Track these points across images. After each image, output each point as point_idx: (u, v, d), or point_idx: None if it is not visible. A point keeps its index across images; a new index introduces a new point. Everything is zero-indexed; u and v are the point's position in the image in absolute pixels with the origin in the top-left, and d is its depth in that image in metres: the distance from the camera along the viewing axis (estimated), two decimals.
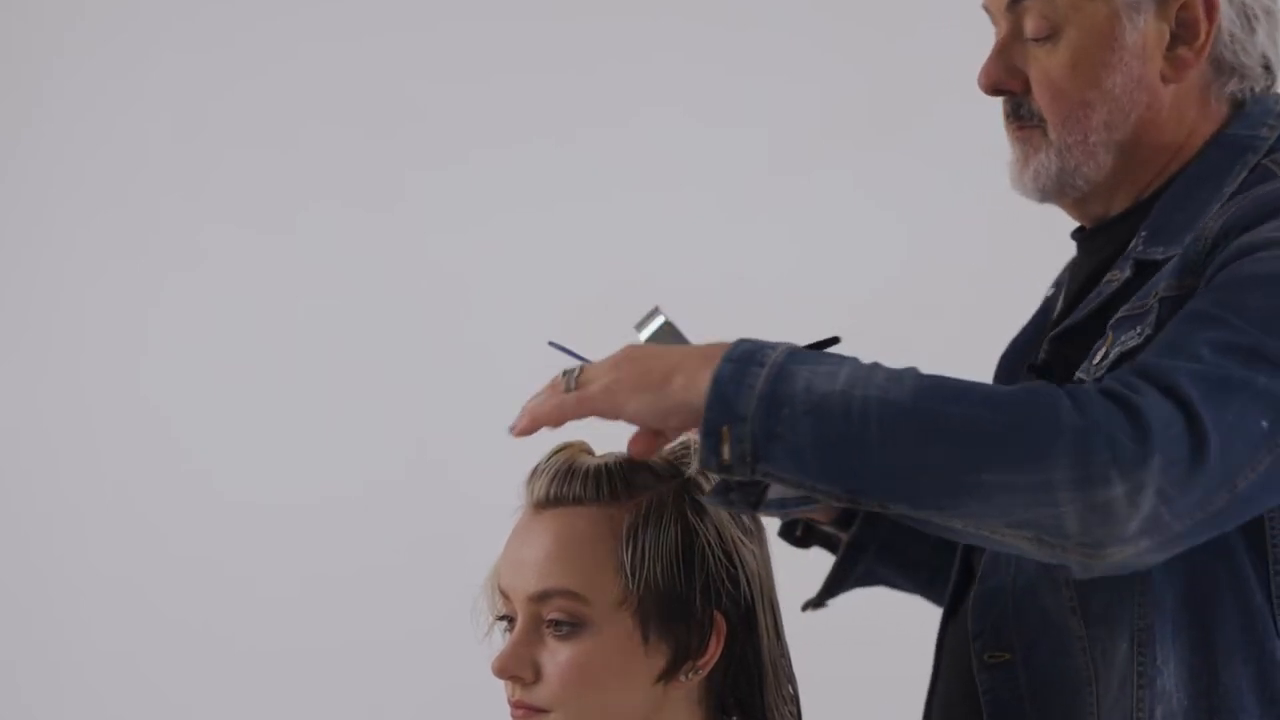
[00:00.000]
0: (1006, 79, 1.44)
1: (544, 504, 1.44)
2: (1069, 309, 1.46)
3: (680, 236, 2.87)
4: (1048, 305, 1.57)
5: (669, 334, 1.50)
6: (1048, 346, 1.45)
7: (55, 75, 3.14)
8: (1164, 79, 1.41)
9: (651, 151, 2.91)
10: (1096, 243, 1.47)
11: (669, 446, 1.43)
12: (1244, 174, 1.39)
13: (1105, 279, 1.42)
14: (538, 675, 1.41)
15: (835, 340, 1.37)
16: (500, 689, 1.44)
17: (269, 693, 2.98)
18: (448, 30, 3.00)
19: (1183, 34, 1.41)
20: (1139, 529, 1.19)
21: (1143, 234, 1.40)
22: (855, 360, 1.27)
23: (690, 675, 1.43)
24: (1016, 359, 1.53)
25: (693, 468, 1.43)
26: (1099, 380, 1.26)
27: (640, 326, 1.44)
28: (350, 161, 3.02)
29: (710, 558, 1.42)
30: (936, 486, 1.21)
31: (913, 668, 2.55)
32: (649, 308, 1.47)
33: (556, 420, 1.34)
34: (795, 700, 1.49)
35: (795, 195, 2.85)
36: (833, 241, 2.82)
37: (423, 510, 2.94)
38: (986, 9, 1.46)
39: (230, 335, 3.05)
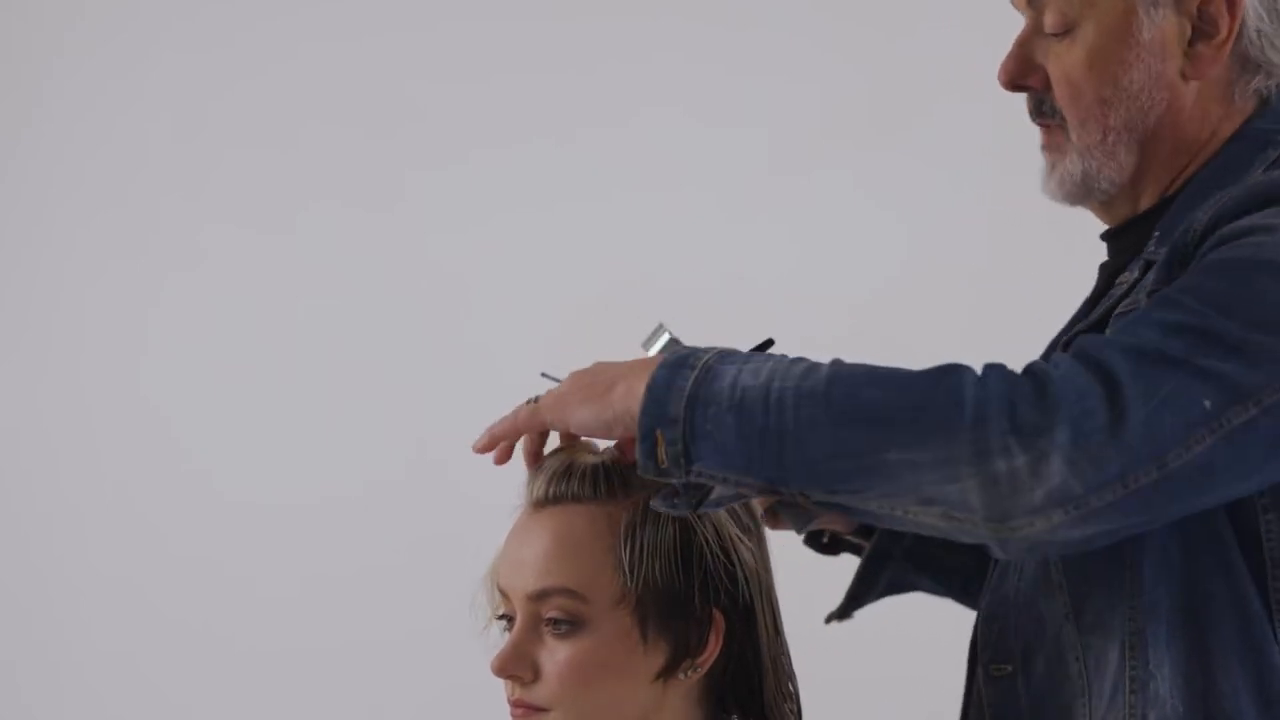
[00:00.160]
0: (1025, 75, 1.41)
1: (543, 502, 1.44)
2: (1089, 309, 1.45)
3: (680, 236, 2.87)
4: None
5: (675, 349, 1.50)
6: (1063, 348, 1.44)
7: (55, 75, 3.14)
8: (1184, 76, 1.38)
9: (651, 151, 2.91)
10: (1121, 243, 1.45)
11: None
12: (1263, 169, 1.36)
13: (1118, 280, 1.41)
14: (537, 674, 1.41)
15: (770, 343, 1.38)
16: (500, 688, 1.44)
17: (269, 693, 2.98)
18: (448, 30, 2.99)
19: (1204, 30, 1.37)
20: (1046, 500, 1.17)
21: (1156, 234, 1.38)
22: (782, 356, 1.27)
23: (689, 673, 1.43)
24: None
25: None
26: None
27: (647, 344, 1.44)
28: (350, 161, 3.02)
29: (708, 555, 1.42)
30: (848, 470, 1.21)
31: (913, 668, 2.55)
32: (654, 324, 1.47)
33: (511, 433, 1.39)
34: (795, 698, 1.49)
35: (795, 195, 2.85)
36: (833, 241, 2.82)
37: (423, 510, 2.94)
38: (1012, 2, 1.44)
39: (230, 335, 3.05)
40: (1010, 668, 1.39)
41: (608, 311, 2.66)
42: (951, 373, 1.22)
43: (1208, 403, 1.18)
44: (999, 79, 1.43)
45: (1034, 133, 1.46)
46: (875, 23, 2.80)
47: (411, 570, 2.90)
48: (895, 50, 2.78)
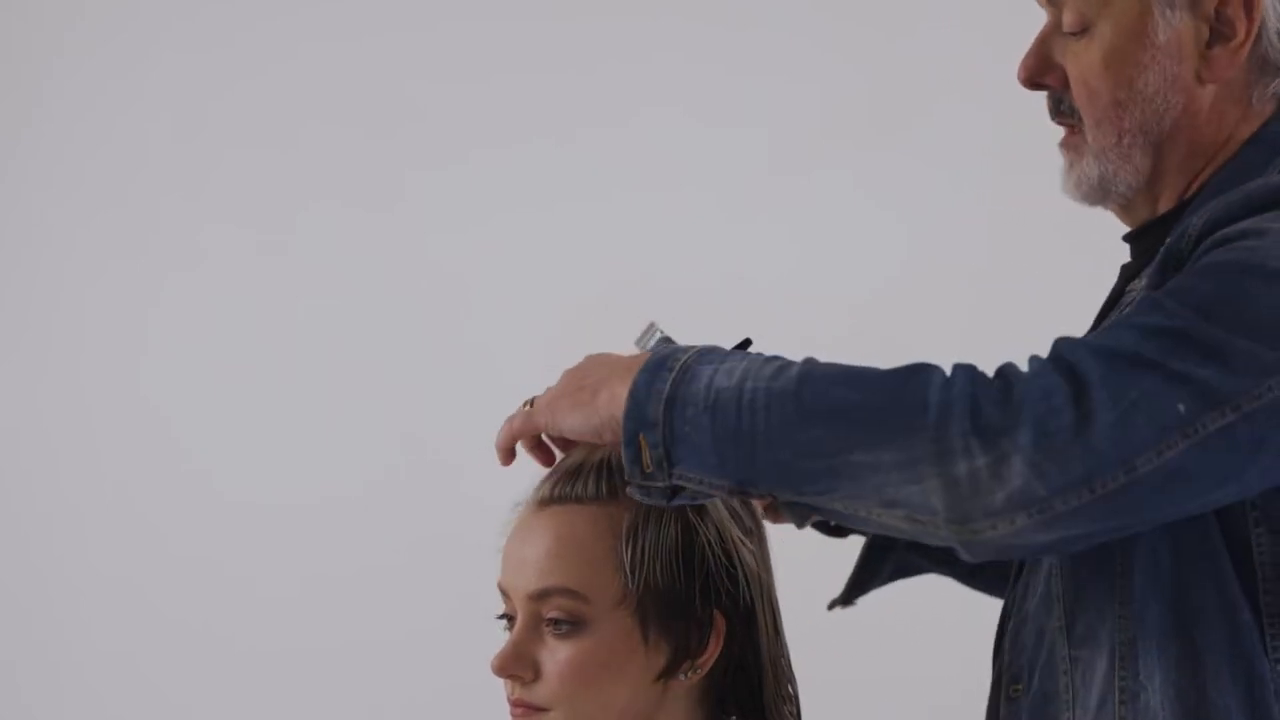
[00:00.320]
0: (1044, 73, 1.40)
1: (545, 502, 1.44)
2: (1106, 312, 1.43)
3: (680, 236, 2.87)
4: None
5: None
6: None
7: (55, 75, 3.14)
8: (1200, 79, 1.36)
9: (651, 151, 2.91)
10: (1140, 246, 1.43)
11: None
12: (1278, 174, 1.33)
13: (1129, 287, 1.39)
14: (537, 674, 1.41)
15: (749, 342, 1.38)
16: (500, 688, 1.44)
17: (269, 693, 2.98)
18: (448, 30, 2.99)
19: (1221, 32, 1.35)
20: (1008, 502, 1.15)
21: (1169, 239, 1.35)
22: (758, 355, 1.27)
23: (690, 674, 1.43)
24: None
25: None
26: None
27: (639, 342, 1.44)
28: (350, 161, 3.02)
29: (710, 557, 1.42)
30: (815, 470, 1.20)
31: (913, 668, 2.56)
32: (645, 322, 1.47)
33: (507, 441, 1.39)
34: (795, 699, 1.49)
35: (795, 195, 2.85)
36: (833, 241, 2.82)
37: (423, 510, 2.94)
38: None
39: (230, 335, 3.05)
40: (1021, 687, 1.37)
41: (608, 311, 2.65)
42: (920, 372, 1.20)
43: (1182, 407, 1.15)
44: (1018, 76, 1.41)
45: (1033, 133, 1.46)
46: (875, 23, 2.80)
47: (411, 570, 2.90)
48: (895, 50, 2.78)
